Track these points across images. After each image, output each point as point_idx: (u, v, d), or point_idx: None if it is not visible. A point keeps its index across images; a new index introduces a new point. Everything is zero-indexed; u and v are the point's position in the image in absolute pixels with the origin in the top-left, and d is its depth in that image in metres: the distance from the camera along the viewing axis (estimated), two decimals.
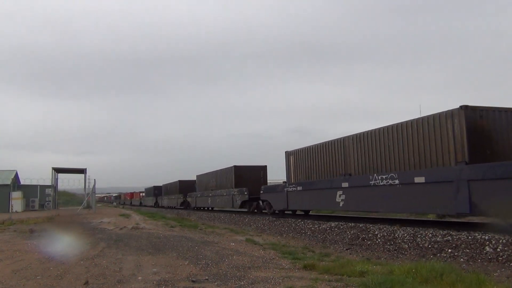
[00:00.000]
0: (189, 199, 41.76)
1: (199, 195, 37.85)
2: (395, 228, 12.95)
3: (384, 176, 13.71)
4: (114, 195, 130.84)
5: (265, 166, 28.49)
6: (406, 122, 13.34)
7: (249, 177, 27.64)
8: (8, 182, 52.47)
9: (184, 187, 43.54)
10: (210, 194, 33.64)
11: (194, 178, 41.94)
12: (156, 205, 58.17)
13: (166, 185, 53.42)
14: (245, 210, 27.45)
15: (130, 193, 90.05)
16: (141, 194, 74.47)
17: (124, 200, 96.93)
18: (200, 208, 39.06)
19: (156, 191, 59.00)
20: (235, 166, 28.89)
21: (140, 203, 72.68)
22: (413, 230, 12.15)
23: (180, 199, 43.97)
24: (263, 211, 24.39)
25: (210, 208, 37.02)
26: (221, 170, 31.96)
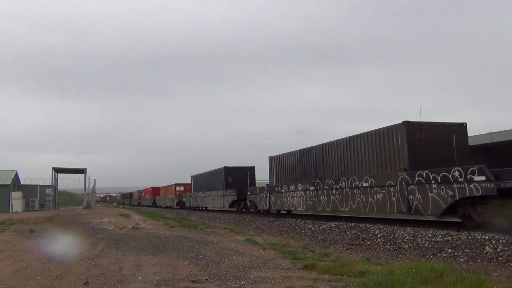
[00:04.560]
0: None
1: None
2: (395, 228, 12.95)
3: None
4: (115, 194, 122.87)
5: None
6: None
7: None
8: (8, 182, 52.57)
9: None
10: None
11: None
12: (240, 208, 27.80)
13: (286, 157, 21.86)
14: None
15: (153, 188, 61.67)
16: (177, 189, 46.81)
17: (140, 200, 71.49)
18: None
19: (233, 178, 29.52)
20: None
21: (179, 202, 45.61)
22: (413, 230, 12.15)
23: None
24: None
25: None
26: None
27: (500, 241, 9.50)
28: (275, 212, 23.36)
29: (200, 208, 39.40)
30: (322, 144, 18.43)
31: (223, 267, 8.37)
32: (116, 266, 8.68)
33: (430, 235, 11.34)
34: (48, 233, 16.96)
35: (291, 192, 20.16)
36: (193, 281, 7.02)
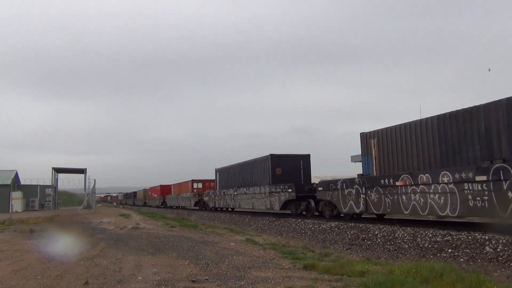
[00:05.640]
0: None
1: None
2: (395, 228, 12.95)
3: None
4: (116, 194, 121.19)
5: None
6: None
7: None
8: (8, 182, 52.52)
9: None
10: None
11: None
12: (300, 210, 21.32)
13: (399, 130, 14.58)
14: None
15: (162, 186, 53.16)
16: (195, 186, 39.19)
17: (146, 199, 64.14)
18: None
19: (282, 170, 23.53)
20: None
21: (199, 202, 37.92)
22: (413, 230, 12.15)
23: None
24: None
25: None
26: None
27: (500, 241, 9.51)
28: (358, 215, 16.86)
29: (231, 209, 31.41)
30: (508, 98, 10.72)
31: (223, 267, 8.37)
32: (116, 266, 8.68)
33: (430, 235, 11.34)
34: (48, 233, 16.96)
35: (422, 186, 12.56)
36: (193, 281, 7.02)
